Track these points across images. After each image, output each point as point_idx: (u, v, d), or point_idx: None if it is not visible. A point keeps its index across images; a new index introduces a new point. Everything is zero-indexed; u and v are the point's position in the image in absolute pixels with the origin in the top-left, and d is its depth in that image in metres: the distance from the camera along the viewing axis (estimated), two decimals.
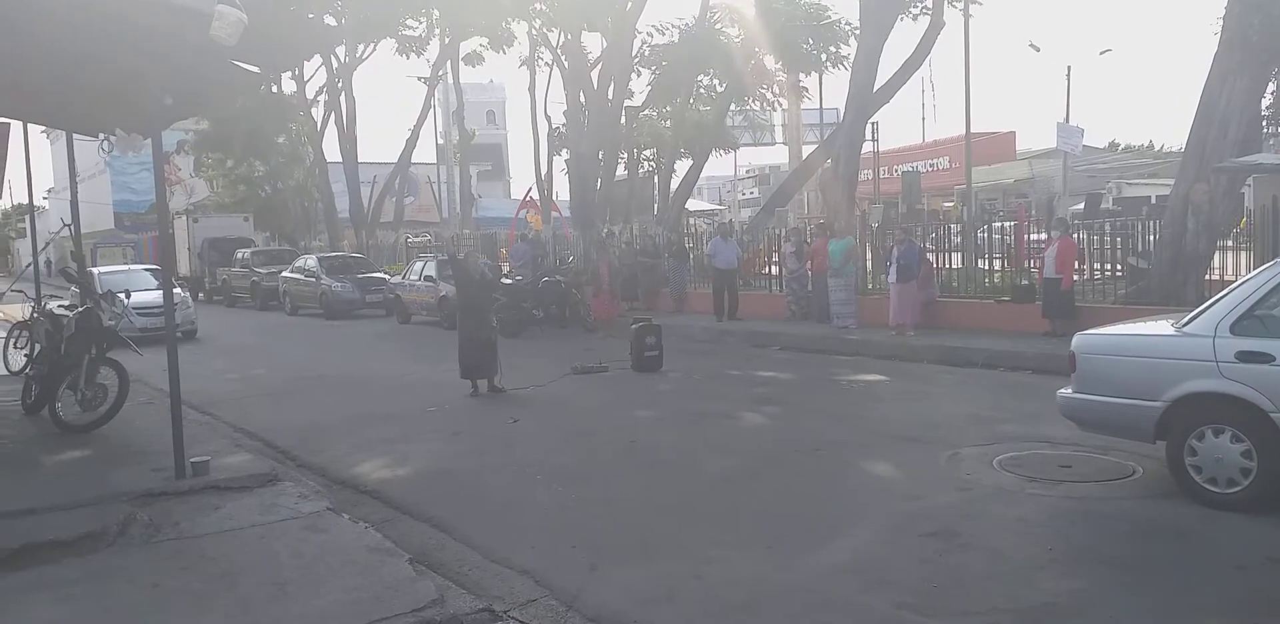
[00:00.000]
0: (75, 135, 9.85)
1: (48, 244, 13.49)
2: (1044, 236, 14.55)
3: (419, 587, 4.51)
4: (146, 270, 19.40)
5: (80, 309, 8.64)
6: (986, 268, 15.77)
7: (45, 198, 58.40)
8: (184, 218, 32.70)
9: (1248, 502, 5.42)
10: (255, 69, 7.33)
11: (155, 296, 13.43)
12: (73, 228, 10.38)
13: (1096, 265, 15.10)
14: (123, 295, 8.95)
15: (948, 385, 10.47)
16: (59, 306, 9.64)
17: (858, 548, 5.19)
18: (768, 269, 18.81)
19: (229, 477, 6.44)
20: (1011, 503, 5.85)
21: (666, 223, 22.38)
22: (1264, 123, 16.19)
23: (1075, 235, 14.40)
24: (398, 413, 9.68)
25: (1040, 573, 4.69)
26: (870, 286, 15.65)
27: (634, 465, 7.29)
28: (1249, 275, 6.09)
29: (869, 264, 16.33)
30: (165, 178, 7.21)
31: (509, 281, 17.65)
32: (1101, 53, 66.49)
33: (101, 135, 9.34)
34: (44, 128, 35.64)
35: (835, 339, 13.87)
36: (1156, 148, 54.37)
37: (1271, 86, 13.84)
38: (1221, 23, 12.44)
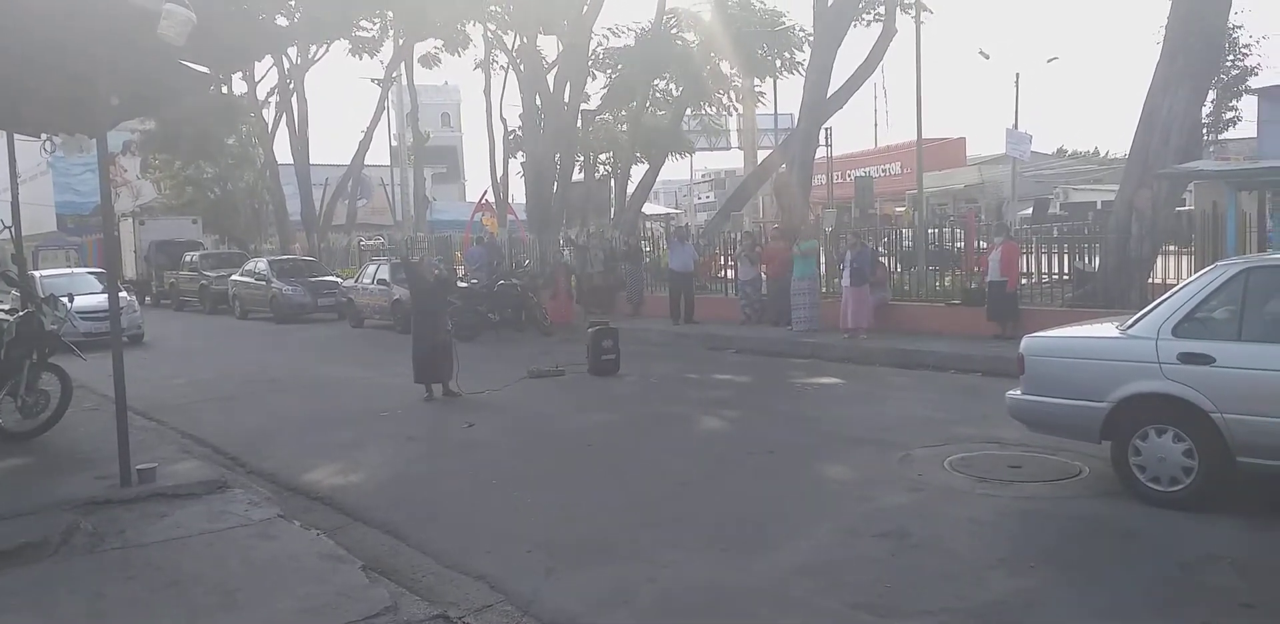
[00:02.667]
0: (16, 135, 9.61)
1: None
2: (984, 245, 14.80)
3: (372, 594, 4.46)
4: (91, 274, 18.97)
5: (21, 313, 8.43)
6: (936, 272, 15.99)
7: None
8: (130, 220, 32.01)
9: (1190, 500, 5.56)
10: (204, 69, 7.21)
11: (100, 300, 13.14)
12: (13, 230, 10.13)
13: (1045, 269, 15.39)
14: (66, 299, 8.75)
15: (900, 388, 10.60)
16: None
17: (812, 549, 5.23)
18: (724, 273, 18.90)
19: (176, 484, 6.32)
20: (962, 503, 5.93)
21: (623, 227, 22.40)
22: (1204, 130, 16.63)
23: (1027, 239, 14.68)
24: (350, 418, 9.57)
25: (991, 572, 4.77)
26: (824, 290, 15.79)
27: (590, 469, 7.28)
28: (1190, 279, 6.25)
29: (823, 268, 16.48)
30: (111, 179, 7.05)
31: (464, 285, 17.54)
32: (1049, 61, 67.53)
33: (44, 135, 9.12)
34: None
35: (790, 342, 13.97)
36: (1102, 154, 55.50)
37: (1211, 95, 14.23)
38: (1164, 32, 12.76)
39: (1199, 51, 12.36)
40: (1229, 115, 27.44)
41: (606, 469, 7.25)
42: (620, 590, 4.69)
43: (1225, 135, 28.73)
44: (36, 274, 17.25)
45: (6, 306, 10.28)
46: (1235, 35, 24.38)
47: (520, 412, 9.76)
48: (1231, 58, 24.45)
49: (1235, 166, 13.80)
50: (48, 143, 9.15)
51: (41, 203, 44.92)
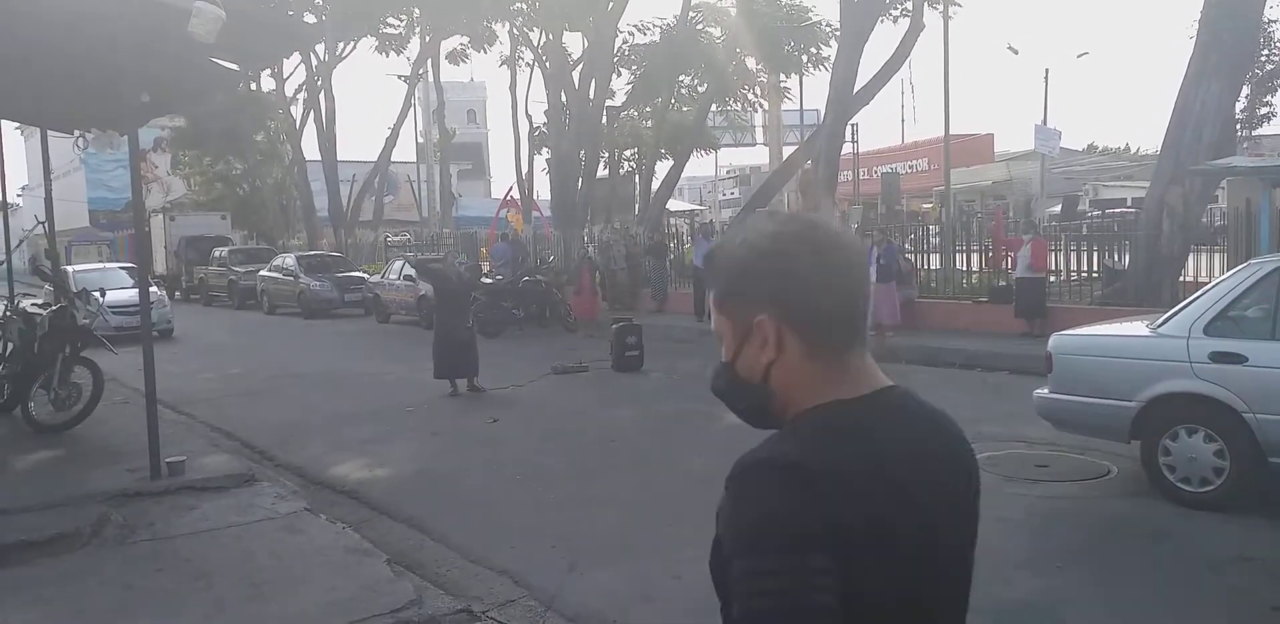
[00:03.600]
0: (50, 132, 9.75)
1: (21, 242, 13.31)
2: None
3: (397, 587, 4.49)
4: (122, 268, 19.21)
5: (54, 307, 8.55)
6: (965, 268, 15.87)
7: (19, 195, 57.63)
8: (161, 216, 32.38)
9: (1220, 500, 5.48)
10: (234, 66, 7.29)
11: (131, 295, 13.28)
12: (47, 225, 10.28)
13: (1074, 267, 15.22)
14: (97, 294, 8.86)
15: (926, 385, 10.45)
16: (32, 305, 9.51)
17: None
18: None
19: (205, 477, 6.39)
20: (989, 502, 5.80)
21: (647, 223, 22.39)
22: (1238, 126, 16.36)
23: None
24: (376, 413, 9.63)
25: (1017, 572, 4.72)
26: None
27: (614, 465, 7.29)
28: (1222, 277, 6.16)
29: None
30: (142, 175, 7.14)
31: (489, 281, 17.61)
32: (1079, 56, 67.04)
33: (77, 132, 9.25)
34: (18, 124, 35.26)
35: None
36: (1133, 150, 54.84)
37: (1245, 90, 13.97)
38: (1197, 27, 12.58)
39: (1233, 46, 12.17)
40: (1263, 111, 26.97)
41: (630, 466, 7.25)
42: (643, 587, 4.70)
43: (1259, 131, 28.27)
44: (69, 269, 17.48)
45: (40, 301, 10.43)
46: (1270, 29, 23.97)
47: (544, 408, 9.79)
48: (1266, 52, 24.05)
49: (1269, 163, 13.56)
50: (80, 139, 9.27)
51: (74, 199, 45.59)
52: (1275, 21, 23.24)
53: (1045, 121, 31.72)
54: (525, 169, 29.44)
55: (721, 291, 1.25)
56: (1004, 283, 13.86)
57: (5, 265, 11.18)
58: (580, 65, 22.87)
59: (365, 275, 22.61)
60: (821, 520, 1.07)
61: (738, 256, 1.23)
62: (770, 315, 1.19)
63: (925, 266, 15.84)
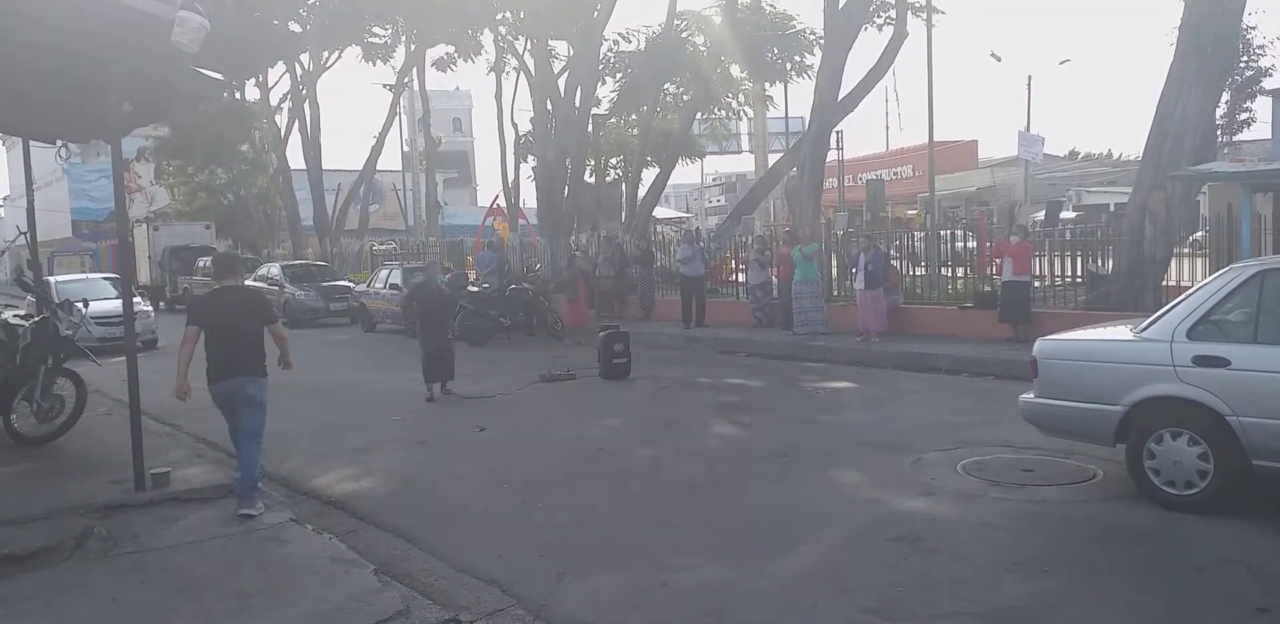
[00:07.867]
0: (32, 142, 9.69)
1: (3, 253, 13.24)
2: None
3: (384, 597, 4.47)
4: (105, 279, 19.12)
5: (36, 319, 8.48)
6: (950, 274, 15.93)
7: (1, 206, 57.35)
8: (144, 226, 32.20)
9: (1205, 503, 5.52)
10: (218, 75, 7.25)
11: (114, 306, 13.19)
12: (29, 236, 10.21)
13: (1058, 272, 15.30)
14: (81, 304, 8.80)
15: (912, 391, 10.55)
16: (14, 316, 9.44)
17: (824, 553, 5.22)
18: (735, 277, 18.88)
19: (190, 488, 6.35)
20: (975, 507, 5.91)
21: (634, 231, 22.40)
22: (1218, 132, 16.52)
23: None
24: (362, 422, 9.59)
25: (1004, 576, 4.74)
26: (836, 294, 15.75)
27: (601, 473, 7.28)
28: (1205, 281, 6.20)
29: (834, 271, 16.43)
30: (125, 185, 7.10)
31: (474, 290, 17.57)
32: (1061, 63, 67.60)
33: (59, 142, 9.19)
34: None
35: (801, 346, 13.93)
36: (1115, 156, 55.37)
37: (1225, 96, 14.08)
38: (1177, 34, 12.70)
39: (1213, 53, 12.29)
40: (1243, 117, 27.25)
41: (618, 473, 7.24)
42: (632, 595, 4.69)
43: (1239, 137, 28.52)
44: (51, 280, 17.37)
45: (22, 312, 10.35)
46: (1249, 36, 24.22)
47: (531, 416, 9.77)
48: (1246, 59, 24.30)
49: (1250, 168, 13.68)
50: (63, 149, 9.22)
51: (57, 209, 45.34)
52: (1254, 29, 23.48)
53: (1028, 128, 31.97)
54: (511, 177, 29.37)
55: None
56: (988, 288, 13.92)
57: None
58: (566, 73, 22.89)
59: (351, 284, 22.53)
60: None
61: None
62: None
63: (910, 273, 15.89)
